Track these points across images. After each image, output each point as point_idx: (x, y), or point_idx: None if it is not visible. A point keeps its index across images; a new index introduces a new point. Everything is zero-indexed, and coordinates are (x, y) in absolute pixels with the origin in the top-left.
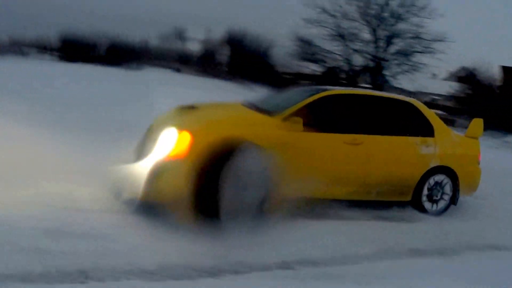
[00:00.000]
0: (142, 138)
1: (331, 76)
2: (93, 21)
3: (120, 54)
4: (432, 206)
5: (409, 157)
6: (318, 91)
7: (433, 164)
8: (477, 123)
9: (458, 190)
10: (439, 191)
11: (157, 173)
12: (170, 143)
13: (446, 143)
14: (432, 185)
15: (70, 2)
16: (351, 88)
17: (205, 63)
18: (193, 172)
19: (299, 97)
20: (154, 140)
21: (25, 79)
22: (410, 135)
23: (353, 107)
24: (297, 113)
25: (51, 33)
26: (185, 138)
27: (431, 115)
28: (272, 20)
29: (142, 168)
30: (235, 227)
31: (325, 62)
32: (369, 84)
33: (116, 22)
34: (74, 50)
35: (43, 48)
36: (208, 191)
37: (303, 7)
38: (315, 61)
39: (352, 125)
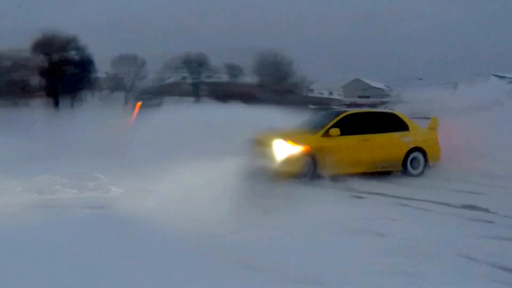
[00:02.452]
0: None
1: None
2: None
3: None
4: (414, 171)
5: (396, 144)
6: (341, 113)
7: (410, 146)
8: (435, 120)
9: (427, 161)
10: (416, 162)
11: (282, 163)
12: (285, 149)
13: (416, 133)
14: (412, 158)
15: None
16: (356, 108)
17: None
18: (296, 162)
19: (329, 117)
20: (269, 146)
21: None
22: (395, 131)
23: (362, 119)
24: (333, 127)
25: None
26: (291, 148)
27: (406, 118)
28: None
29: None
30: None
31: None
32: None
33: None
34: None
35: None
36: (302, 169)
37: None
38: None
39: (363, 129)
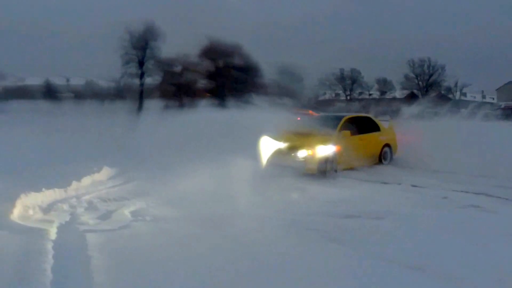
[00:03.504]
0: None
1: None
2: None
3: None
4: (385, 162)
5: (377, 142)
6: (342, 117)
7: (384, 143)
8: (391, 122)
9: (392, 153)
10: (387, 154)
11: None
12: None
13: (385, 133)
14: (384, 152)
15: None
16: (350, 113)
17: None
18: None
19: (335, 120)
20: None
21: None
22: (374, 132)
23: (355, 122)
24: (342, 129)
25: None
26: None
27: (377, 120)
28: None
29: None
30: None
31: None
32: None
33: None
34: None
35: None
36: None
37: None
38: None
39: (357, 131)
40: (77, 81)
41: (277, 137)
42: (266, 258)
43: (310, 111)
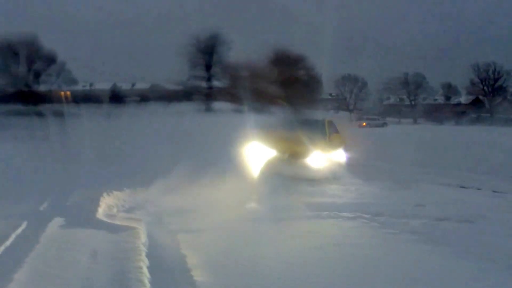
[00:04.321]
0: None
1: None
2: None
3: None
4: None
5: (340, 141)
6: (323, 121)
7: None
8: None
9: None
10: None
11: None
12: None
13: (340, 134)
14: None
15: None
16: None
17: None
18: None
19: (319, 124)
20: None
21: None
22: (336, 133)
23: (329, 125)
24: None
25: None
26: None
27: (333, 123)
28: None
29: None
30: None
31: None
32: None
33: None
34: None
35: None
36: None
37: None
38: None
39: (333, 132)
40: (143, 85)
41: (265, 143)
42: (378, 260)
43: (363, 124)
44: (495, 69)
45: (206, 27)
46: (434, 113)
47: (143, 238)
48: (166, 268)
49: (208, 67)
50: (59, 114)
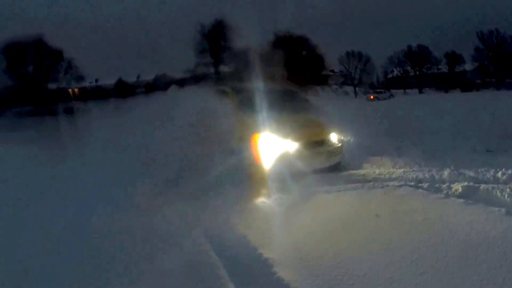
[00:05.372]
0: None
1: None
2: None
3: None
4: None
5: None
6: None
7: None
8: None
9: None
10: None
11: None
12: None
13: None
14: None
15: None
16: None
17: None
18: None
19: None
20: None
21: None
22: None
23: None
24: None
25: None
26: None
27: None
28: None
29: None
30: None
31: None
32: None
33: None
34: None
35: None
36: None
37: None
38: None
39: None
40: (148, 76)
41: (278, 133)
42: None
43: (371, 97)
44: (497, 34)
45: (210, 13)
46: (439, 82)
47: None
48: None
49: (214, 53)
50: (70, 112)
